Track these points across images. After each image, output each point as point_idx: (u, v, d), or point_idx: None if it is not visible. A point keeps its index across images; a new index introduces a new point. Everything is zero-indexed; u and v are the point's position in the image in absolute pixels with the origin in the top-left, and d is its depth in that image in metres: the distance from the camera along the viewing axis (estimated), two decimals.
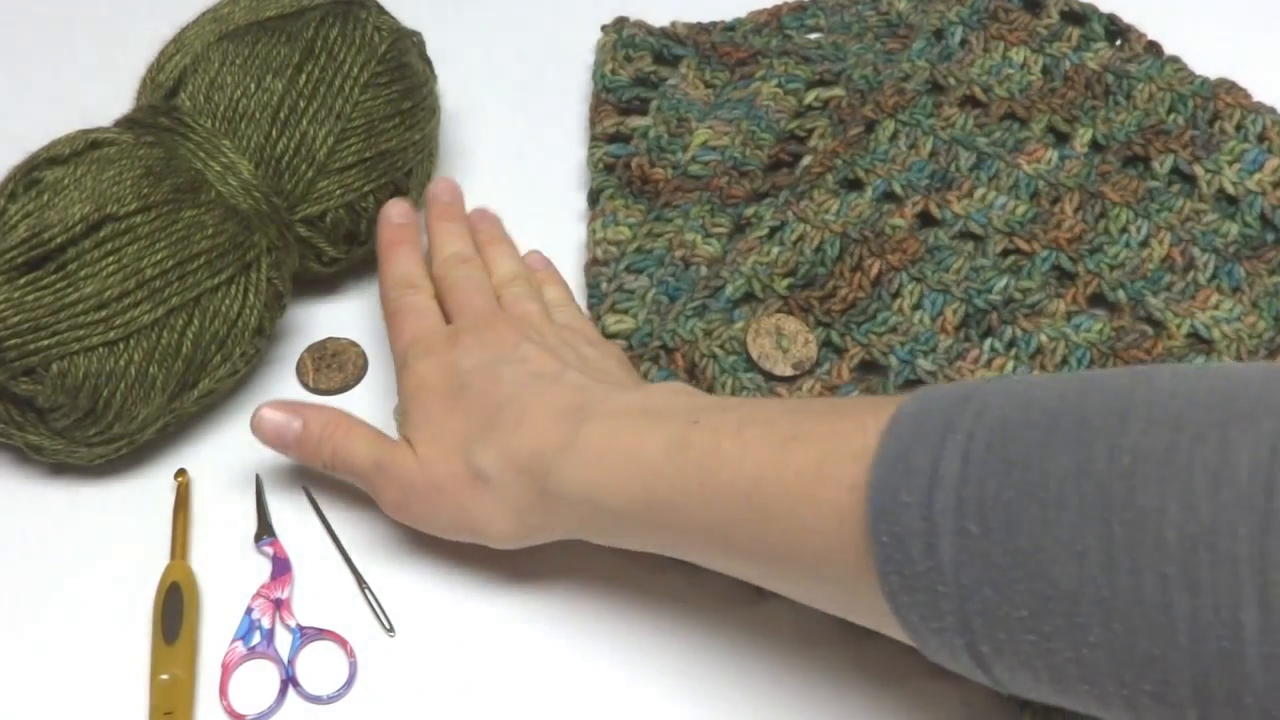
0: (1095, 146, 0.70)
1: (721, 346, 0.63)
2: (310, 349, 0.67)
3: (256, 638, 0.58)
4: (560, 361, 0.58)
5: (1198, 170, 0.69)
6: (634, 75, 0.75)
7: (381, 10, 0.68)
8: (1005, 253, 0.67)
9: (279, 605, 0.59)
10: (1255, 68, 0.73)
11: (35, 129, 0.64)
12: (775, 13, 0.80)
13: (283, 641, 0.58)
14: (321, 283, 0.69)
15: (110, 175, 0.60)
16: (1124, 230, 0.67)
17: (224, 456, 0.64)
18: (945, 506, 0.43)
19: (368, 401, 0.65)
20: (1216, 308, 0.65)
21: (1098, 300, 0.66)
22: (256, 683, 0.57)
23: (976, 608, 0.43)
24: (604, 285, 0.67)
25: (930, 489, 0.43)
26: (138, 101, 0.67)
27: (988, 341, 0.64)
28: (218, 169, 0.62)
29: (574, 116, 0.76)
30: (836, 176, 0.69)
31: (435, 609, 0.59)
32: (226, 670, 0.57)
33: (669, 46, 0.76)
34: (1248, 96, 0.71)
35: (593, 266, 0.68)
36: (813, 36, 0.79)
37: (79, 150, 0.61)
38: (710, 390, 0.63)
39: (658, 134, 0.72)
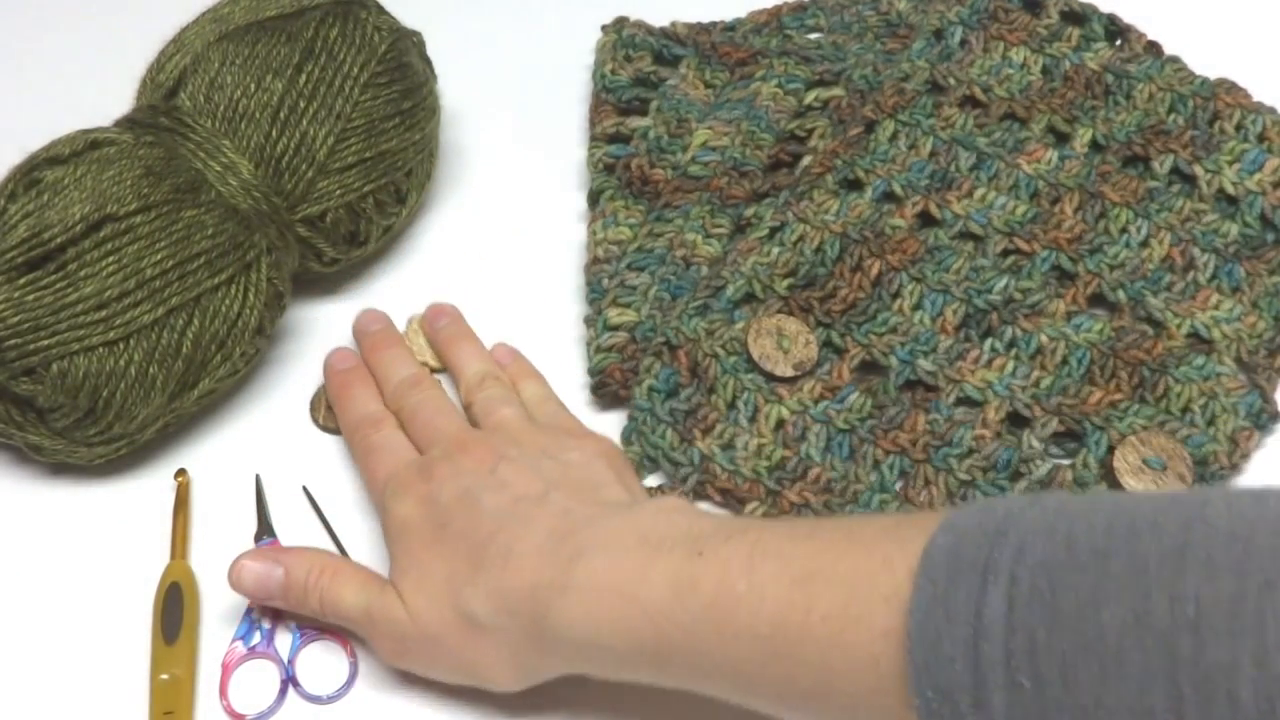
0: (1095, 146, 0.70)
1: (723, 347, 0.64)
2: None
3: (256, 638, 0.58)
4: (543, 480, 0.55)
5: (1198, 170, 0.69)
6: (634, 75, 0.75)
7: (381, 10, 0.68)
8: (1005, 253, 0.67)
9: None
10: (1255, 68, 0.73)
11: (35, 129, 0.64)
12: (775, 13, 0.80)
13: (283, 641, 0.58)
14: (321, 283, 0.69)
15: (110, 175, 0.60)
16: (1124, 230, 0.67)
17: (224, 456, 0.64)
18: (993, 659, 0.40)
19: None
20: (1217, 308, 0.65)
21: (1098, 300, 0.65)
22: (256, 683, 0.57)
23: None
24: (605, 282, 0.67)
25: (975, 640, 0.41)
26: (138, 101, 0.67)
27: (988, 342, 0.64)
28: (218, 169, 0.62)
29: (574, 116, 0.76)
30: (836, 177, 0.69)
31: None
32: (226, 670, 0.57)
33: (669, 46, 0.76)
34: (1248, 96, 0.71)
35: (594, 265, 0.68)
36: (813, 36, 0.79)
37: (79, 150, 0.61)
38: (712, 390, 0.63)
39: (658, 134, 0.72)
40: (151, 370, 0.59)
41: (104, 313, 0.58)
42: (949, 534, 0.44)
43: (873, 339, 0.64)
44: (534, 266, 0.70)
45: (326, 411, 0.64)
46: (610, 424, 0.64)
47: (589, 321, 0.67)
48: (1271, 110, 0.71)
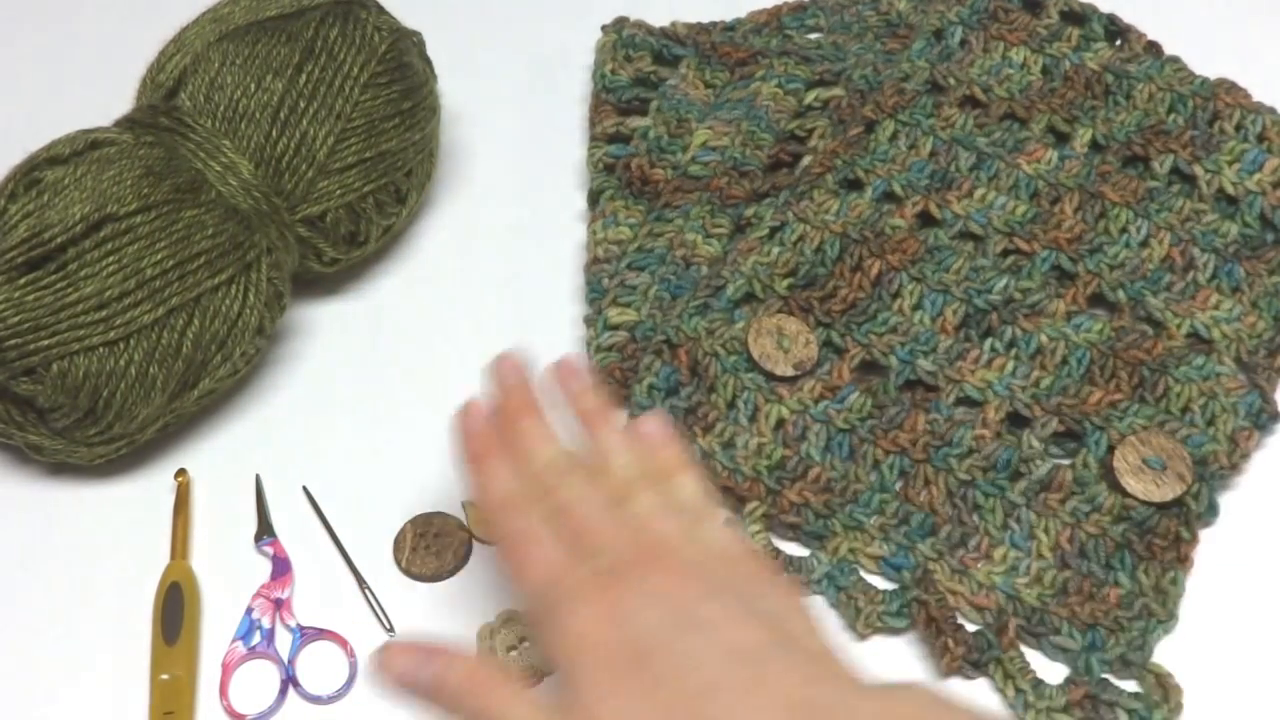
0: (1095, 146, 0.70)
1: (723, 346, 0.64)
2: (415, 521, 0.61)
3: (256, 638, 0.58)
4: (753, 631, 0.47)
5: (1197, 170, 0.69)
6: (634, 75, 0.75)
7: (381, 10, 0.68)
8: (1005, 253, 0.67)
9: (279, 605, 0.59)
10: (1255, 68, 0.73)
11: (35, 129, 0.64)
12: (775, 13, 0.80)
13: (283, 641, 0.58)
14: (321, 283, 0.69)
15: (110, 175, 0.60)
16: (1124, 230, 0.67)
17: (224, 456, 0.64)
18: None
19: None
20: (1216, 308, 0.65)
21: (1098, 300, 0.66)
22: (257, 683, 0.57)
23: None
24: (605, 281, 0.67)
25: None
26: (138, 101, 0.67)
27: (988, 341, 0.64)
28: (218, 169, 0.62)
29: (574, 117, 0.76)
30: (836, 177, 0.69)
31: (435, 608, 0.59)
32: (227, 670, 0.57)
33: (669, 47, 0.76)
34: (1248, 96, 0.71)
35: (594, 265, 0.68)
36: (813, 37, 0.79)
37: (79, 150, 0.61)
38: (712, 389, 0.63)
39: (658, 134, 0.72)
40: (151, 370, 0.59)
41: (104, 313, 0.58)
42: None
43: (873, 339, 0.64)
44: (534, 266, 0.70)
45: (411, 553, 0.60)
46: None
47: (589, 321, 0.67)
48: (1271, 110, 0.71)
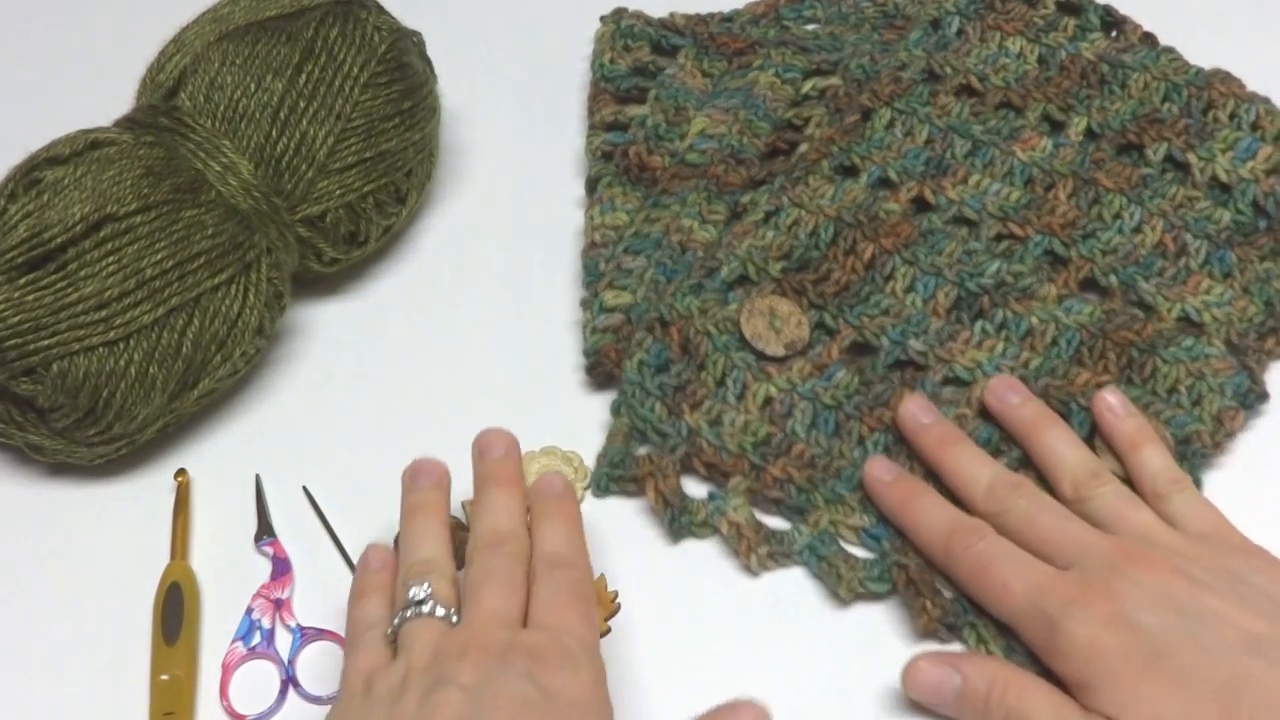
0: (1090, 134, 0.71)
1: (715, 325, 0.64)
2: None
3: (257, 638, 0.58)
4: (1258, 614, 0.50)
5: (1191, 158, 0.69)
6: (632, 65, 0.76)
7: (381, 10, 0.68)
8: (998, 237, 0.68)
9: (279, 605, 0.59)
10: (1250, 59, 0.73)
11: (35, 129, 0.64)
12: (773, 4, 0.81)
13: (283, 641, 0.58)
14: (321, 283, 0.69)
15: (110, 175, 0.60)
16: (1117, 216, 0.68)
17: (224, 456, 0.64)
18: None
19: None
20: (1208, 292, 0.65)
21: (1090, 285, 0.66)
22: (257, 683, 0.57)
23: None
24: (602, 265, 0.68)
25: None
26: (138, 101, 0.67)
27: (979, 324, 0.65)
28: (218, 169, 0.62)
29: (574, 116, 0.76)
30: (832, 163, 0.70)
31: None
32: (227, 670, 0.57)
33: (667, 37, 0.76)
34: (1242, 86, 0.72)
35: (591, 249, 0.69)
36: (810, 27, 0.79)
37: (79, 150, 0.61)
38: (702, 367, 0.64)
39: (655, 122, 0.73)
40: (151, 370, 0.59)
41: (104, 313, 0.58)
42: None
43: (864, 320, 0.65)
44: (534, 267, 0.70)
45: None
46: (604, 403, 0.65)
47: (585, 304, 0.67)
48: (1265, 100, 0.71)
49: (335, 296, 0.69)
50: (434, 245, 0.71)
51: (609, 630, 0.58)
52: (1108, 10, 0.76)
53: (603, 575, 0.59)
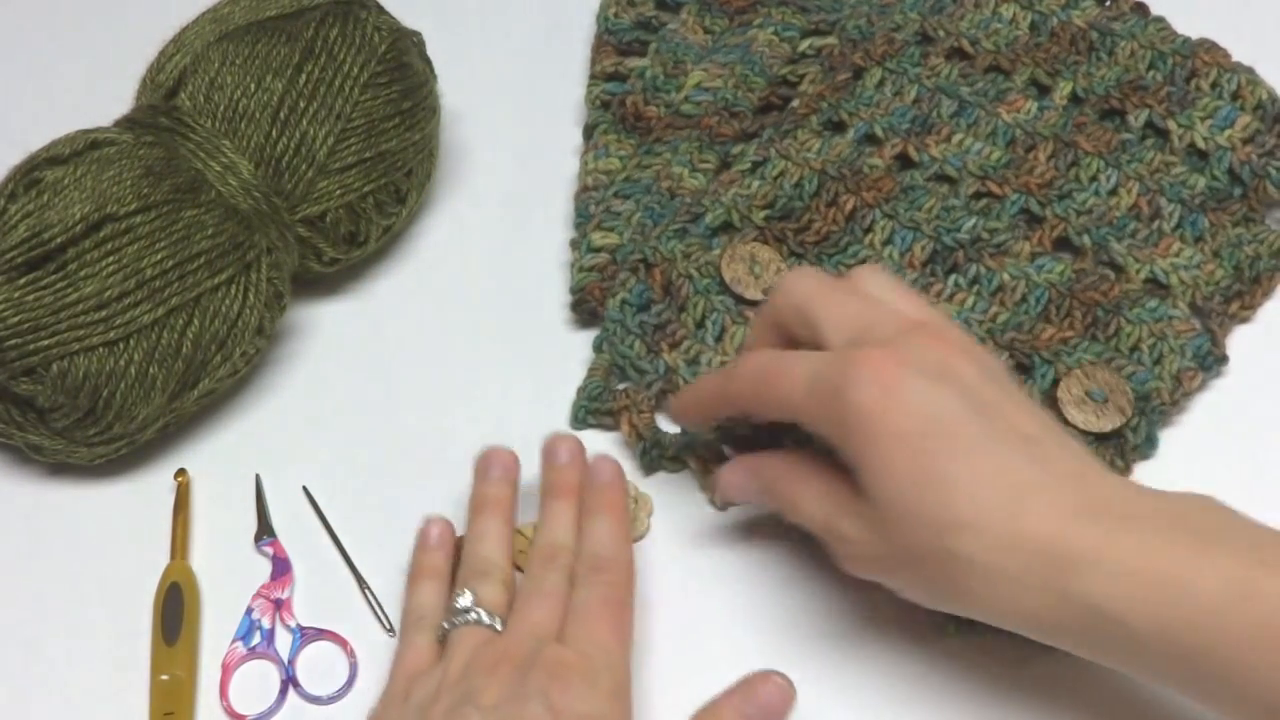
0: (1074, 99, 0.72)
1: (697, 269, 0.66)
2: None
3: (256, 638, 0.58)
4: (1036, 418, 0.51)
5: (1171, 125, 0.70)
6: (635, 19, 0.77)
7: (381, 10, 0.68)
8: (977, 195, 0.69)
9: (279, 605, 0.59)
10: (1240, 30, 0.74)
11: (35, 129, 0.64)
12: None
13: (283, 641, 0.58)
14: (321, 283, 0.69)
15: (110, 175, 0.60)
16: (1094, 179, 0.69)
17: (224, 456, 0.64)
18: None
19: None
20: (1177, 255, 0.66)
21: (1063, 244, 0.67)
22: (257, 683, 0.57)
23: None
24: (592, 208, 0.69)
25: None
26: (138, 101, 0.67)
27: (952, 277, 0.66)
28: (218, 169, 0.62)
29: (574, 115, 0.76)
30: (821, 118, 0.71)
31: None
32: (227, 670, 0.57)
33: None
34: (1226, 56, 0.72)
35: (583, 193, 0.70)
36: None
37: (79, 150, 0.61)
38: (682, 309, 0.65)
39: (654, 74, 0.74)
40: (151, 370, 0.59)
41: (104, 313, 0.58)
42: None
43: (841, 269, 0.66)
44: (533, 268, 0.70)
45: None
46: (587, 340, 0.66)
47: (574, 244, 0.69)
48: (1249, 70, 0.72)
49: (335, 296, 0.69)
50: (434, 245, 0.71)
51: (648, 529, 0.60)
52: None
53: (639, 494, 0.61)
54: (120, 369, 0.59)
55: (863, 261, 0.66)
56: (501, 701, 0.49)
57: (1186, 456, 0.62)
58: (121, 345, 0.59)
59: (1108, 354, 0.63)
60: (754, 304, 0.65)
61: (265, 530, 0.61)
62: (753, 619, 0.58)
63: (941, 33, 0.74)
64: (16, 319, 0.58)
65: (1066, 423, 0.61)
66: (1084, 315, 0.64)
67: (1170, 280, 0.65)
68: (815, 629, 0.58)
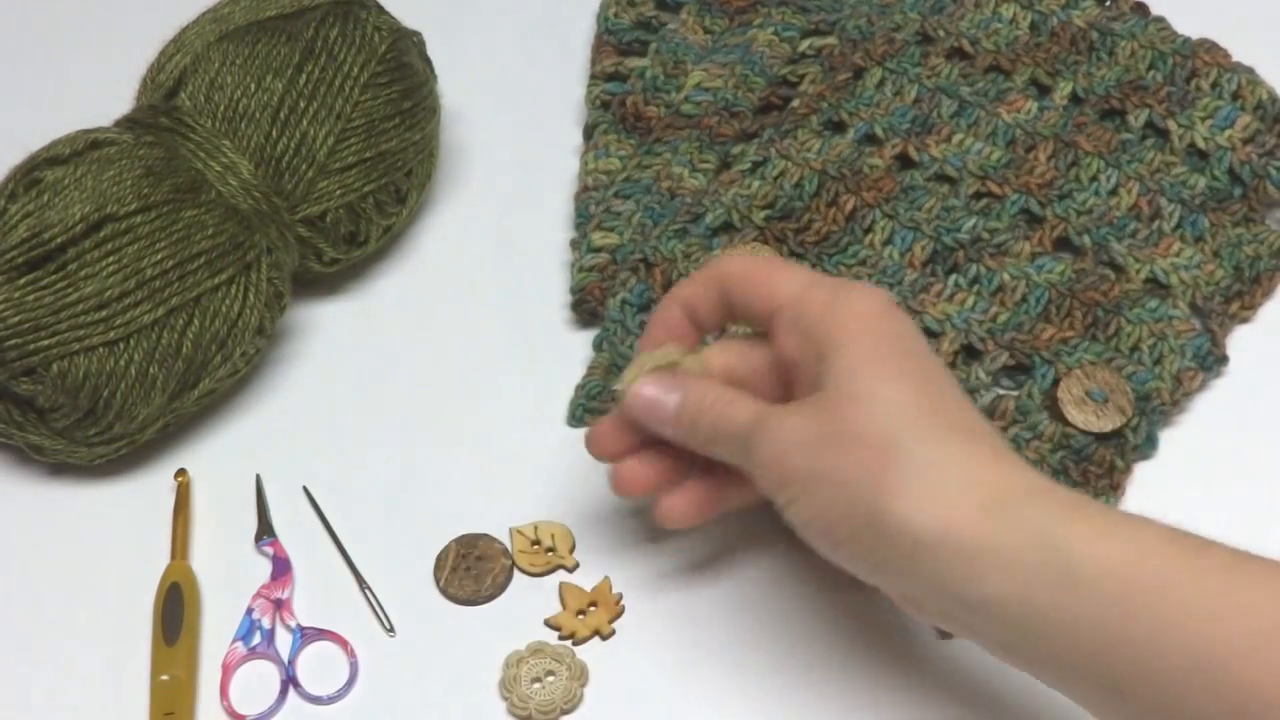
0: (1075, 99, 0.72)
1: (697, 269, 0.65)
2: (461, 540, 0.60)
3: (257, 638, 0.58)
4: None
5: (1171, 125, 0.70)
6: (636, 19, 0.77)
7: (381, 10, 0.68)
8: (977, 195, 0.69)
9: (279, 605, 0.59)
10: (1240, 30, 0.74)
11: (35, 129, 0.64)
12: None
13: (283, 641, 0.58)
14: (321, 283, 0.69)
15: (110, 175, 0.60)
16: (1094, 179, 0.69)
17: (224, 456, 0.64)
18: None
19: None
20: (1177, 255, 0.66)
21: (1063, 244, 0.67)
22: (257, 683, 0.57)
23: None
24: (592, 208, 0.69)
25: None
26: (138, 101, 0.67)
27: (952, 277, 0.66)
28: (218, 169, 0.62)
29: (574, 115, 0.76)
30: (821, 118, 0.71)
31: (435, 609, 0.59)
32: (227, 670, 0.57)
33: None
34: (1226, 56, 0.72)
35: (583, 193, 0.70)
36: None
37: (79, 150, 0.61)
38: None
39: (654, 74, 0.74)
40: (151, 370, 0.59)
41: (104, 313, 0.58)
42: None
43: (842, 269, 0.67)
44: (533, 268, 0.70)
45: (450, 573, 0.59)
46: (587, 340, 0.66)
47: (574, 244, 0.69)
48: (1249, 70, 0.72)
49: (335, 296, 0.69)
50: (434, 245, 0.71)
51: (613, 633, 0.58)
52: None
53: (607, 579, 0.59)
54: (120, 369, 0.59)
55: (863, 261, 0.67)
56: None
57: (1186, 456, 0.63)
58: (121, 345, 0.59)
59: (1108, 354, 0.63)
60: None
61: (265, 530, 0.61)
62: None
63: (941, 33, 0.74)
64: (16, 319, 0.58)
65: (1067, 422, 0.61)
66: (1084, 315, 0.64)
67: (1170, 280, 0.65)
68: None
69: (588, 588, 0.59)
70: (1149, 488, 0.62)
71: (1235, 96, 0.71)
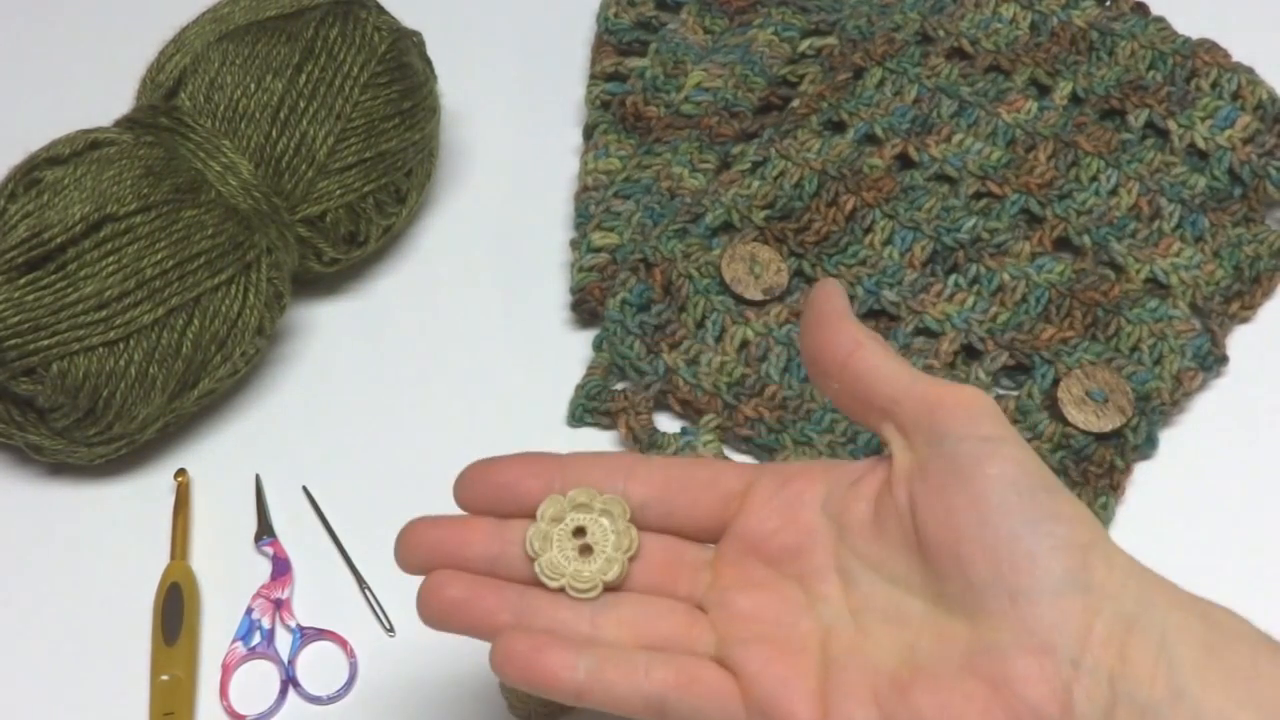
0: (1075, 99, 0.72)
1: (698, 269, 0.66)
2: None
3: (257, 638, 0.58)
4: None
5: (1171, 125, 0.70)
6: (636, 19, 0.77)
7: (381, 10, 0.68)
8: (977, 195, 0.69)
9: (279, 605, 0.59)
10: (1241, 31, 0.74)
11: (35, 129, 0.64)
12: None
13: (283, 641, 0.58)
14: (321, 283, 0.69)
15: (110, 175, 0.60)
16: (1094, 179, 0.69)
17: (224, 456, 0.64)
18: None
19: None
20: (1177, 255, 0.66)
21: (1063, 244, 0.67)
22: (257, 683, 0.57)
23: None
24: (592, 208, 0.69)
25: None
26: (138, 101, 0.67)
27: (952, 277, 0.66)
28: (218, 169, 0.62)
29: (574, 115, 0.76)
30: (821, 118, 0.71)
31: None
32: (227, 670, 0.57)
33: None
34: (1226, 56, 0.72)
35: (583, 193, 0.70)
36: None
37: (79, 150, 0.61)
38: (683, 309, 0.65)
39: (654, 74, 0.74)
40: (151, 370, 0.59)
41: (104, 313, 0.58)
42: None
43: (841, 270, 0.66)
44: (533, 268, 0.70)
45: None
46: (587, 340, 0.66)
47: (574, 244, 0.69)
48: (1249, 70, 0.72)
49: (335, 296, 0.69)
50: (434, 245, 0.71)
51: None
52: None
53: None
54: (120, 369, 0.59)
55: (863, 262, 0.66)
56: None
57: (1186, 456, 0.63)
58: (121, 345, 0.59)
59: (1108, 354, 0.63)
60: (754, 304, 0.65)
61: (265, 530, 0.61)
62: None
63: (941, 33, 0.74)
64: (16, 319, 0.58)
65: (1067, 422, 0.61)
66: (1084, 315, 0.64)
67: (1170, 280, 0.66)
68: None
69: None
70: (1149, 488, 0.62)
71: (1235, 96, 0.71)
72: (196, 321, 0.60)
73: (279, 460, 0.63)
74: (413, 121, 0.67)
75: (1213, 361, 0.64)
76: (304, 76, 0.64)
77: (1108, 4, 0.76)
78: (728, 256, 0.66)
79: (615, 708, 0.44)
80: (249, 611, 0.58)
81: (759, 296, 0.65)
